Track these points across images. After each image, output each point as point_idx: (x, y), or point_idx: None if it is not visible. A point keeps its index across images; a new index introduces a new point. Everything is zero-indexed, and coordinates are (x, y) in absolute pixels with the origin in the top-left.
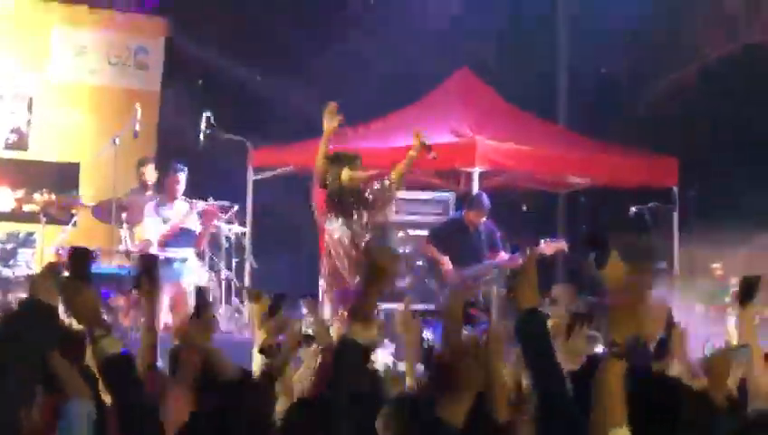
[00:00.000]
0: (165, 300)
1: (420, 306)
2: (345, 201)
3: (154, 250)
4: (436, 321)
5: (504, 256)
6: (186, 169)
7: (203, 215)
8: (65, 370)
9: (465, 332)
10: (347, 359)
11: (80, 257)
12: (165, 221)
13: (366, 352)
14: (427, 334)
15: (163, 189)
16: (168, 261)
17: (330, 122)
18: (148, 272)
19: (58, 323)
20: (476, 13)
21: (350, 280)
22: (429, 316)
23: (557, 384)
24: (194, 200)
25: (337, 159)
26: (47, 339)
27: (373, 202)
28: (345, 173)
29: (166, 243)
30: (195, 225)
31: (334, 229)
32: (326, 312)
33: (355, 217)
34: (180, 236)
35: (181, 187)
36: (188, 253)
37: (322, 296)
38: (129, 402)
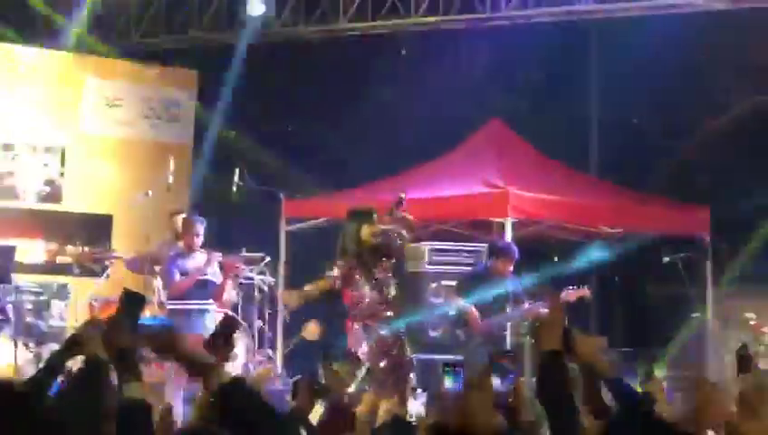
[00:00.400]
0: None
1: (449, 357)
2: (364, 259)
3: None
4: (460, 370)
5: (528, 305)
6: (204, 220)
7: (223, 266)
8: None
9: (495, 382)
10: None
11: (132, 301)
12: (183, 273)
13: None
14: (449, 383)
15: (182, 241)
16: (189, 313)
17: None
18: (227, 333)
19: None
20: (508, 65)
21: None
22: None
23: (572, 424)
24: (214, 252)
25: (354, 216)
26: (108, 397)
27: (393, 253)
28: (365, 231)
29: (181, 295)
30: (215, 277)
31: (361, 295)
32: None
33: (376, 269)
34: (201, 288)
35: (200, 238)
36: (208, 304)
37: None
38: None
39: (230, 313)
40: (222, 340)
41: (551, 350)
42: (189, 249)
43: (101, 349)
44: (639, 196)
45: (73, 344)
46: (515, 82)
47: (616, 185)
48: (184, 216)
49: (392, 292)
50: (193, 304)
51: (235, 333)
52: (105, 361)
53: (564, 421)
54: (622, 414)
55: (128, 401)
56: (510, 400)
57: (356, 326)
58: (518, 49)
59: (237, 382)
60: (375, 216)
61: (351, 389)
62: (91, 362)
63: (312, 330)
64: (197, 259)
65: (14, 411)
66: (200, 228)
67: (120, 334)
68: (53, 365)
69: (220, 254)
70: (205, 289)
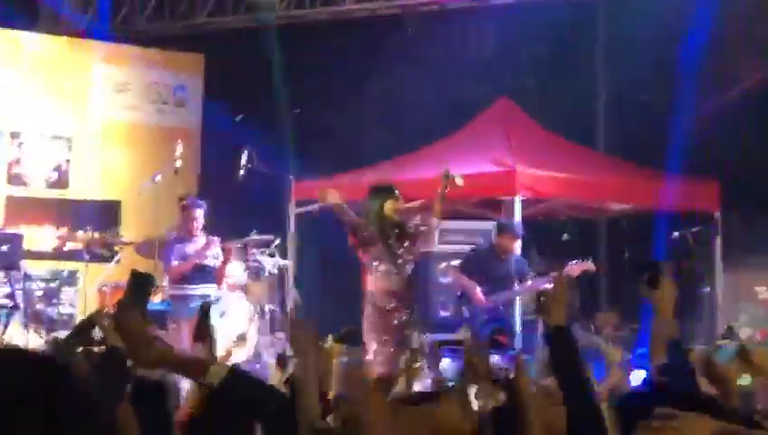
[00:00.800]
0: (185, 334)
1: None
2: (387, 234)
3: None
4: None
5: (531, 283)
6: (203, 204)
7: (222, 251)
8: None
9: (493, 359)
10: None
11: (141, 282)
12: (184, 258)
13: None
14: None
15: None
16: (188, 297)
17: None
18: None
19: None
20: (515, 43)
21: (390, 322)
22: (454, 346)
23: (587, 398)
24: (212, 237)
25: (376, 192)
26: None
27: (415, 235)
28: (388, 206)
29: (184, 279)
30: (215, 260)
31: (377, 273)
32: (369, 350)
33: (398, 249)
34: (199, 272)
35: (199, 223)
36: (209, 288)
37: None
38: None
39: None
40: (202, 326)
41: (557, 325)
42: (189, 234)
43: (117, 338)
44: (648, 172)
45: (81, 331)
46: (523, 60)
47: (624, 161)
48: (185, 202)
49: (405, 279)
50: (191, 289)
51: (152, 284)
52: (123, 350)
53: (577, 394)
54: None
55: (141, 382)
56: (510, 376)
57: (380, 346)
58: (525, 27)
59: (236, 373)
60: (397, 192)
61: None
62: (110, 351)
63: (333, 195)
64: (198, 243)
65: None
66: (198, 212)
67: (129, 317)
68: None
69: (218, 238)
70: (203, 273)
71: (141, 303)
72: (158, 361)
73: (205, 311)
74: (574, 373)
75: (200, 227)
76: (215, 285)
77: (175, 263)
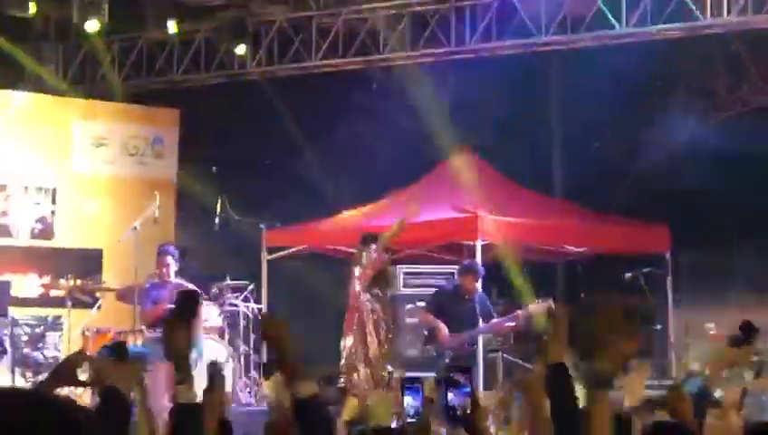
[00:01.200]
0: (161, 376)
1: (422, 374)
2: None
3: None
4: (418, 388)
5: (496, 321)
6: (174, 250)
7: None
8: None
9: (450, 396)
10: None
11: (188, 301)
12: (157, 302)
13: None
14: (409, 401)
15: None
16: (160, 340)
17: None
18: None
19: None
20: (474, 95)
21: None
22: (414, 383)
23: (578, 429)
24: (184, 281)
25: (368, 240)
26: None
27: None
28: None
29: (156, 323)
30: None
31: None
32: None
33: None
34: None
35: (171, 269)
36: None
37: (347, 359)
38: None
39: (217, 337)
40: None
41: (556, 362)
42: (162, 279)
43: (118, 379)
44: (602, 216)
45: (61, 373)
46: (481, 111)
47: (579, 207)
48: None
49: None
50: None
51: (198, 301)
52: (122, 391)
53: (571, 425)
54: None
55: (181, 404)
56: (467, 411)
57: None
58: (483, 80)
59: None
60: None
61: None
62: (109, 394)
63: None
64: (170, 288)
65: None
66: (170, 259)
67: (177, 336)
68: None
69: (190, 284)
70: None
71: (188, 320)
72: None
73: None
74: (571, 407)
75: (172, 272)
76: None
77: (148, 308)
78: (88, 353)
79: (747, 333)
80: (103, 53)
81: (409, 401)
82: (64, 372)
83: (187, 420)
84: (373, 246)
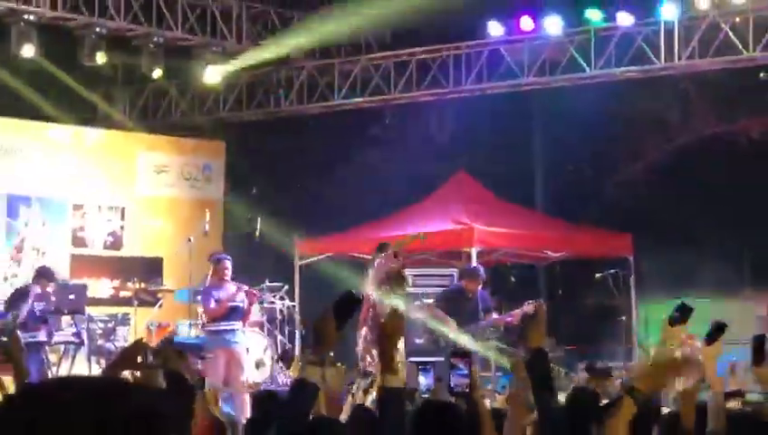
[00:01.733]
0: (221, 363)
1: (431, 359)
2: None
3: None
4: (430, 369)
5: (495, 316)
6: (230, 258)
7: (247, 294)
8: None
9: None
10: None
11: (348, 303)
12: (218, 301)
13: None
14: (422, 380)
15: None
16: (222, 332)
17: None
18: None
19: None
20: (470, 127)
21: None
22: (426, 365)
23: (554, 403)
24: (241, 284)
25: (381, 247)
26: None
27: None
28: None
29: (215, 318)
30: (243, 303)
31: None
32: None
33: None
34: (232, 312)
35: (228, 273)
36: (236, 325)
37: (362, 347)
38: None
39: (258, 331)
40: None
41: (537, 347)
42: (221, 282)
43: (179, 364)
44: (576, 226)
45: (125, 360)
46: (475, 140)
47: (557, 219)
48: (216, 257)
49: None
50: (223, 325)
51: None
52: (185, 376)
53: (548, 400)
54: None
55: (302, 380)
56: (467, 389)
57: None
58: (477, 114)
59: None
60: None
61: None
62: (173, 376)
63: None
64: (228, 289)
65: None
66: (228, 264)
67: (326, 324)
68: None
69: (246, 286)
70: (235, 313)
71: (342, 318)
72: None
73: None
74: (548, 385)
75: (230, 275)
76: (240, 322)
77: (212, 306)
78: (147, 343)
79: (683, 313)
80: (163, 95)
81: (422, 380)
82: (128, 358)
83: (307, 396)
84: (382, 254)
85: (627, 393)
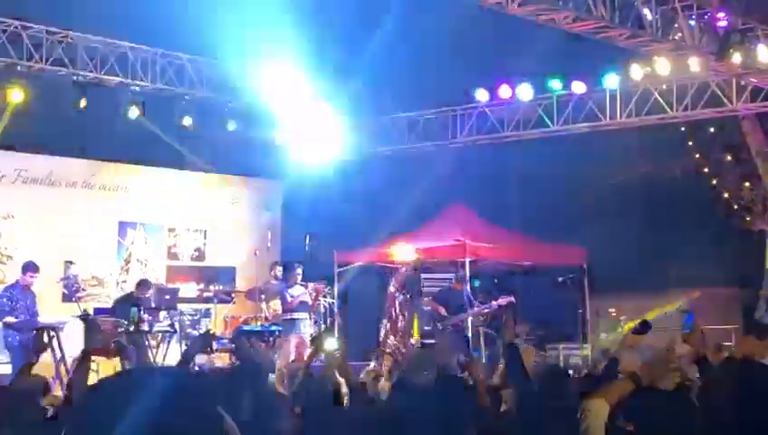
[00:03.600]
0: (292, 344)
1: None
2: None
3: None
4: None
5: (477, 308)
6: (301, 265)
7: (314, 291)
8: None
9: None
10: None
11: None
12: (291, 297)
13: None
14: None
15: (288, 278)
16: (294, 321)
17: None
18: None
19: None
20: (464, 170)
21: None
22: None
23: (526, 382)
24: (307, 284)
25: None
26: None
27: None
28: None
29: (291, 310)
30: (308, 298)
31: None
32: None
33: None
34: (300, 306)
35: (299, 276)
36: (305, 315)
37: (384, 333)
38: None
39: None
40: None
41: (510, 341)
42: (293, 282)
43: (249, 351)
44: (544, 242)
45: (199, 344)
46: (469, 179)
47: (529, 236)
48: (285, 265)
49: None
50: (296, 315)
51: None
52: (255, 360)
53: (519, 379)
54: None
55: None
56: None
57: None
58: (469, 159)
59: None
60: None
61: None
62: (246, 360)
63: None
64: (298, 288)
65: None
66: (299, 270)
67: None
68: (189, 355)
69: (312, 284)
70: (303, 306)
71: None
72: None
73: None
74: (519, 368)
75: (300, 278)
76: (307, 313)
77: (289, 300)
78: (214, 333)
79: (644, 327)
80: (236, 145)
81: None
82: (202, 344)
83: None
84: (401, 267)
85: (629, 377)
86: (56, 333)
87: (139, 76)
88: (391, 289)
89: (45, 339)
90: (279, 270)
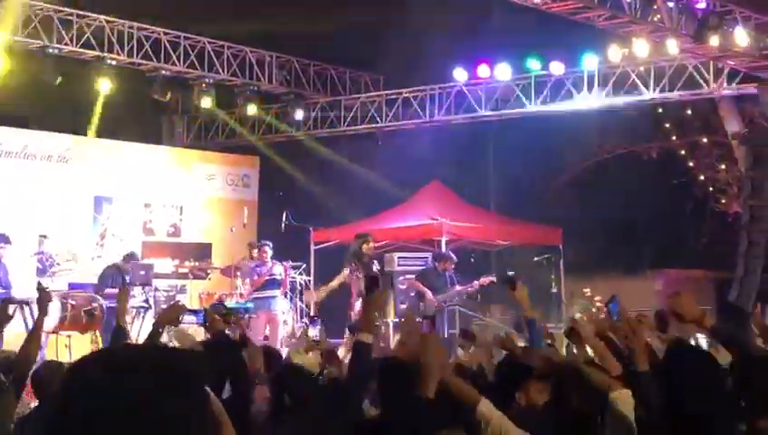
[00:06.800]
0: (262, 322)
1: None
2: (365, 262)
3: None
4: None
5: (458, 287)
6: (271, 244)
7: (285, 269)
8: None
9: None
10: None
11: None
12: (259, 275)
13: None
14: None
15: (259, 256)
16: (264, 298)
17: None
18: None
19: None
20: (442, 149)
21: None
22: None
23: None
24: (275, 262)
25: (359, 237)
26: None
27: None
28: (365, 247)
29: (262, 287)
30: (280, 276)
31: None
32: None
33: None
34: (271, 283)
35: (269, 254)
36: (276, 293)
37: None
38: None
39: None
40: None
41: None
42: (262, 261)
43: (223, 326)
44: (520, 222)
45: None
46: (445, 157)
47: (505, 216)
48: (259, 243)
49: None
50: (266, 293)
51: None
52: (228, 336)
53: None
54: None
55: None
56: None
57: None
58: (446, 138)
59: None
60: (370, 237)
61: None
62: (220, 335)
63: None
64: (268, 266)
65: None
66: (267, 249)
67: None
68: (154, 332)
69: (282, 263)
70: (274, 283)
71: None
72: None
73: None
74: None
75: (270, 255)
76: (279, 291)
77: (256, 277)
78: (184, 305)
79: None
80: (213, 121)
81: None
82: (171, 317)
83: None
84: (363, 244)
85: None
86: (29, 307)
87: (115, 50)
88: (348, 270)
89: (10, 311)
90: (254, 249)
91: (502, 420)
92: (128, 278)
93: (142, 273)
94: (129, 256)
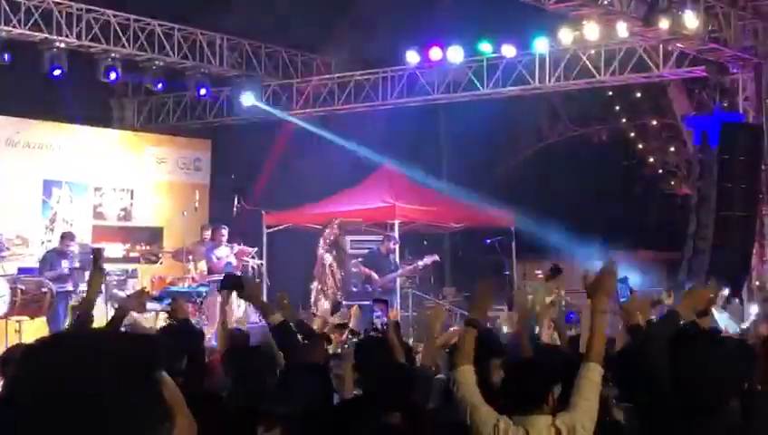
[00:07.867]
0: (219, 305)
1: (364, 302)
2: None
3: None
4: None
5: (403, 269)
6: (227, 227)
7: (238, 254)
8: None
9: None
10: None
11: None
12: (217, 258)
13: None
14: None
15: (214, 240)
16: (219, 281)
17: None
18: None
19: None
20: (393, 131)
21: (334, 286)
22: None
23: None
24: (233, 245)
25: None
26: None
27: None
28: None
29: (217, 271)
30: (233, 260)
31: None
32: (320, 306)
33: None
34: (226, 267)
35: (224, 238)
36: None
37: (315, 295)
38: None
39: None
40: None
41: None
42: (218, 243)
43: (187, 313)
44: (472, 205)
45: (120, 309)
46: (398, 139)
47: (458, 199)
48: (211, 227)
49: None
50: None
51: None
52: (187, 320)
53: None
54: None
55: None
56: (384, 327)
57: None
58: (399, 121)
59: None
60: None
61: None
62: (183, 320)
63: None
64: (223, 250)
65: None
66: (224, 232)
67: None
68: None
69: (237, 247)
70: (229, 267)
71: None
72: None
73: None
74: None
75: (225, 239)
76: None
77: (214, 261)
78: (149, 291)
79: (554, 272)
80: (163, 104)
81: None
82: (136, 303)
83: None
84: (328, 228)
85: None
86: None
87: (64, 32)
88: (320, 250)
89: None
90: (207, 233)
91: (472, 391)
92: (67, 262)
93: (92, 257)
94: (66, 236)
